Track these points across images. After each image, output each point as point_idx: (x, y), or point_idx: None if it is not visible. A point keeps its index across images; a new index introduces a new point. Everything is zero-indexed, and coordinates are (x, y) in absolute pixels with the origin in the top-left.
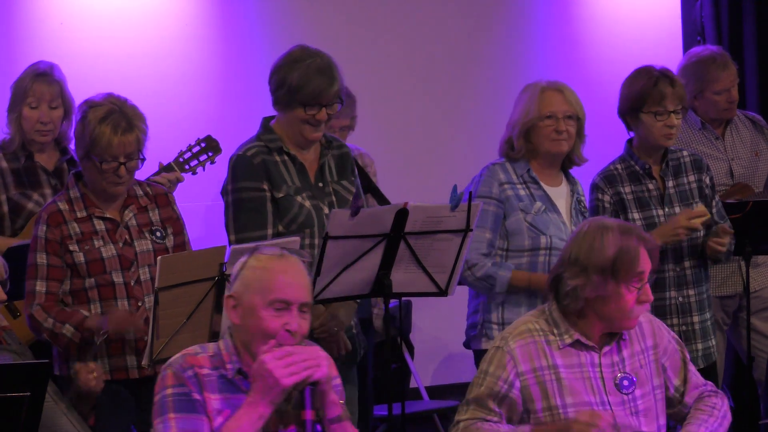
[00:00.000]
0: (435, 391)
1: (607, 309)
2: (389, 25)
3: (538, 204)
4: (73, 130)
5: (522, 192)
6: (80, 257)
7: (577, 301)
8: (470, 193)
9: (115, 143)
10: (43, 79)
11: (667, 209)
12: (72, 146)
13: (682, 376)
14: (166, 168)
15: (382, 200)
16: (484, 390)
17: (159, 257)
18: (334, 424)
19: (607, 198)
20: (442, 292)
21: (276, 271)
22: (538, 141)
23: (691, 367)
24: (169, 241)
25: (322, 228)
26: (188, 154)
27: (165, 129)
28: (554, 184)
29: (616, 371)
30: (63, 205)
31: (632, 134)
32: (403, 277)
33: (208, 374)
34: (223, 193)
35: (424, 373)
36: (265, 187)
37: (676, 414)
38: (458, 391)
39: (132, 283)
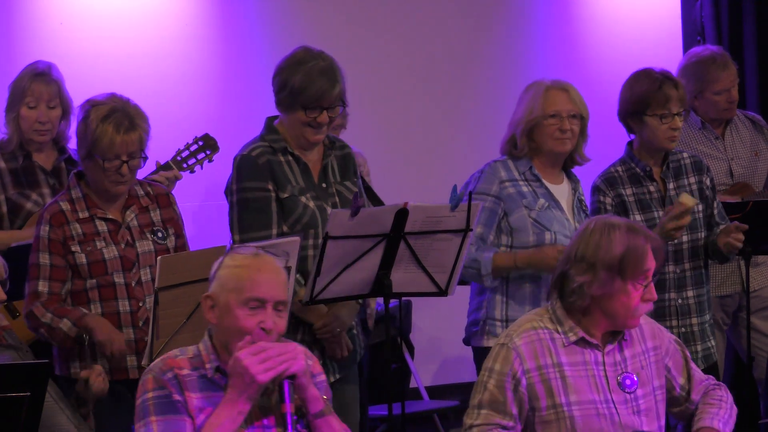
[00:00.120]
0: (435, 391)
1: (612, 306)
2: (389, 25)
3: (542, 201)
4: (70, 130)
5: (525, 189)
6: (82, 258)
7: (584, 298)
8: (470, 193)
9: (118, 142)
10: (41, 79)
11: None
12: (70, 145)
13: (686, 375)
14: (164, 167)
15: (375, 200)
16: (494, 389)
17: (159, 257)
18: (318, 419)
19: (608, 200)
20: (442, 292)
21: (250, 269)
22: (541, 139)
23: (693, 365)
24: (170, 242)
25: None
26: (186, 153)
27: (165, 129)
28: (556, 182)
29: (618, 370)
30: (65, 205)
31: (632, 137)
32: (403, 277)
33: (188, 374)
34: (228, 192)
35: (424, 373)
36: (270, 187)
37: (683, 412)
38: (458, 391)
39: (133, 284)
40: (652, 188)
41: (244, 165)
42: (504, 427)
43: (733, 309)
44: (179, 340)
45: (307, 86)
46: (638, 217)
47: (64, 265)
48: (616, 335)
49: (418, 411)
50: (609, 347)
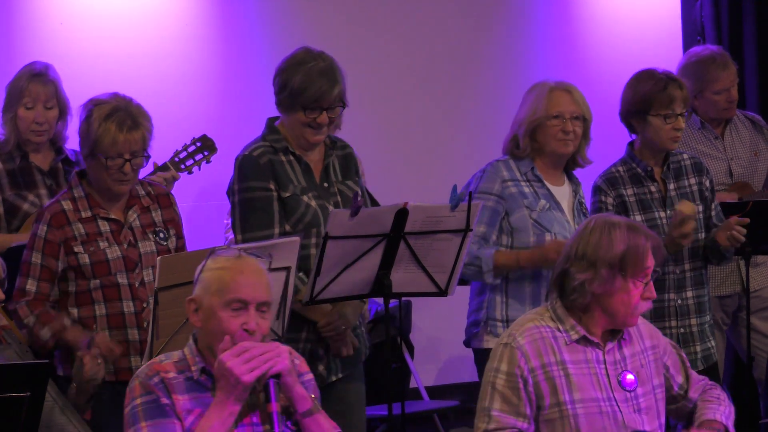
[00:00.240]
0: (435, 391)
1: (613, 304)
2: (389, 25)
3: (543, 201)
4: (67, 131)
5: (526, 189)
6: (85, 259)
7: (585, 296)
8: (470, 193)
9: (121, 140)
10: (38, 80)
11: (668, 211)
12: (67, 146)
13: (684, 374)
14: (161, 168)
15: (370, 200)
16: (506, 390)
17: (159, 257)
18: (306, 418)
19: (609, 200)
20: (442, 292)
21: (232, 271)
22: (544, 140)
23: (689, 365)
24: (172, 243)
25: None
26: (184, 154)
27: (165, 129)
28: (558, 184)
29: (619, 369)
30: (67, 205)
31: (633, 137)
32: (403, 277)
33: (174, 377)
34: (229, 193)
35: (424, 373)
36: (272, 186)
37: (680, 409)
38: (458, 391)
39: (137, 285)
40: (653, 188)
41: (245, 165)
42: (519, 430)
43: (732, 309)
44: (179, 340)
45: (306, 87)
46: (639, 218)
47: (56, 267)
48: (615, 334)
49: (418, 411)
50: (609, 345)
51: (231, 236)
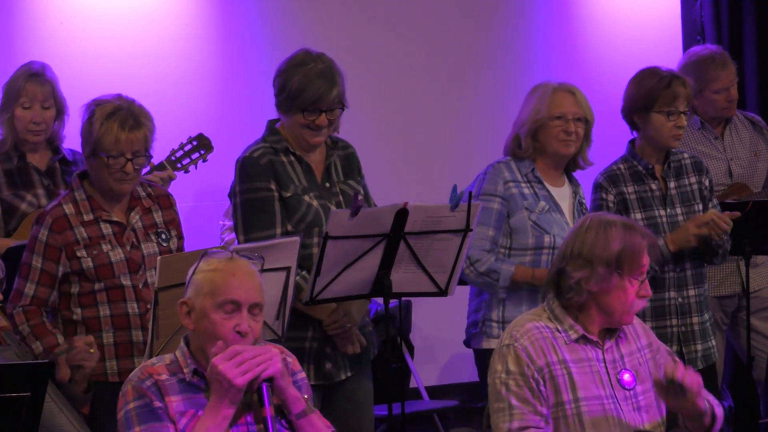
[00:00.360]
0: (435, 391)
1: (609, 302)
2: (389, 25)
3: (542, 203)
4: (64, 130)
5: (526, 191)
6: (88, 262)
7: (581, 294)
8: (470, 192)
9: (123, 139)
10: (35, 80)
11: (668, 210)
12: (64, 145)
13: None
14: (157, 167)
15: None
16: (520, 390)
17: (158, 257)
18: (301, 419)
19: (610, 197)
20: (442, 292)
21: (224, 273)
22: (546, 141)
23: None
24: (173, 244)
25: None
26: (180, 153)
27: (165, 129)
28: (558, 185)
29: (618, 367)
30: (68, 208)
31: (635, 134)
32: (403, 277)
33: (167, 379)
34: (231, 195)
35: (424, 373)
36: (273, 187)
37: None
38: (458, 391)
39: (140, 286)
40: (653, 186)
41: (246, 166)
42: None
43: (732, 309)
44: (179, 340)
45: (304, 89)
46: (639, 215)
47: (55, 272)
48: (612, 333)
49: (418, 411)
50: (608, 344)
51: (227, 237)
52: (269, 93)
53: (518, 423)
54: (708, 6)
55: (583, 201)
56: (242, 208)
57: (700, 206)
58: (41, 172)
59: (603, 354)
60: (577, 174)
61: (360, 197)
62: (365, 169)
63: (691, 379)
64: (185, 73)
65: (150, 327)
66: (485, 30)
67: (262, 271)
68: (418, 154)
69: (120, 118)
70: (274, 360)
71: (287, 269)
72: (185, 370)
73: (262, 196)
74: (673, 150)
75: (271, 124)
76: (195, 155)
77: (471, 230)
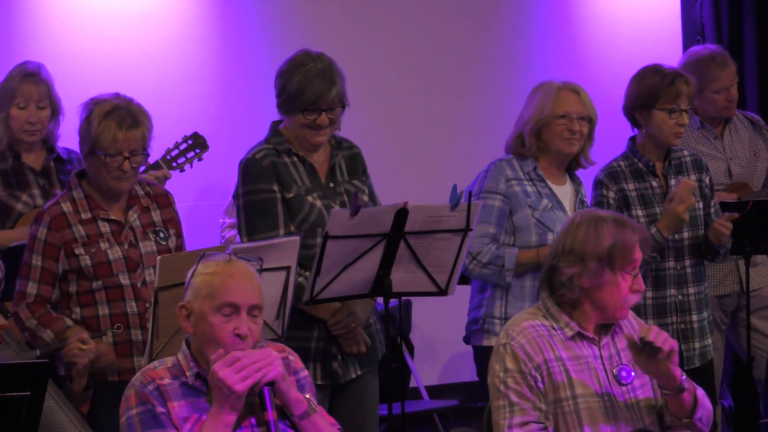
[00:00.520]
0: (435, 391)
1: (602, 298)
2: (389, 25)
3: (545, 201)
4: (59, 130)
5: (529, 189)
6: (86, 260)
7: (573, 290)
8: (470, 192)
9: (120, 138)
10: (31, 80)
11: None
12: (59, 144)
13: None
14: (153, 166)
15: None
16: (519, 387)
17: (158, 257)
18: (303, 420)
19: (611, 194)
20: (442, 292)
21: (223, 276)
22: (549, 139)
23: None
24: (172, 242)
25: None
26: (175, 152)
27: (165, 129)
28: (560, 183)
29: (614, 363)
30: (66, 207)
31: (635, 132)
32: (403, 276)
33: (169, 383)
34: (235, 196)
35: (424, 372)
36: (276, 188)
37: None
38: (458, 390)
39: (139, 285)
40: (654, 183)
41: (248, 168)
42: (542, 425)
43: (731, 309)
44: (179, 340)
45: (304, 89)
46: (640, 212)
47: (56, 270)
48: (607, 329)
49: (418, 411)
50: (604, 340)
51: (227, 235)
52: (269, 93)
53: (519, 418)
54: (708, 6)
55: (585, 199)
56: (245, 210)
57: (701, 204)
58: (36, 172)
59: (599, 350)
60: (578, 171)
61: (361, 198)
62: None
63: (664, 341)
64: (185, 73)
65: (150, 327)
66: (485, 30)
67: (262, 271)
68: (418, 154)
69: (118, 116)
70: (275, 364)
71: (287, 269)
72: (188, 374)
73: (265, 197)
74: (675, 146)
75: (275, 125)
76: (190, 154)
77: (471, 230)
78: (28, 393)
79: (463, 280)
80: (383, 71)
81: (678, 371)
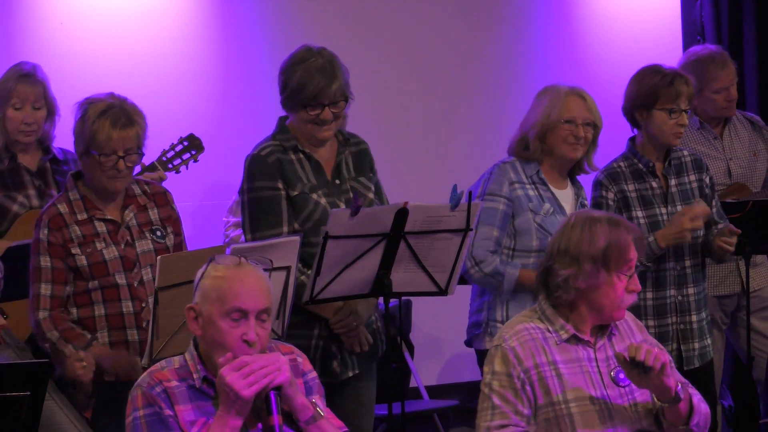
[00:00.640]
0: (435, 391)
1: (598, 299)
2: (389, 25)
3: (547, 205)
4: (55, 131)
5: (531, 192)
6: (83, 260)
7: (569, 292)
8: (470, 192)
9: (115, 137)
10: (26, 80)
11: (669, 208)
12: (54, 144)
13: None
14: (148, 167)
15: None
16: (503, 390)
17: (159, 257)
18: (310, 425)
19: (611, 195)
20: (442, 292)
21: (232, 281)
22: (554, 143)
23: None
24: (169, 240)
25: None
26: (171, 153)
27: (165, 128)
28: (561, 187)
29: (611, 365)
30: (63, 208)
31: (635, 132)
32: (403, 276)
33: (176, 386)
34: (240, 192)
35: (424, 372)
36: (280, 185)
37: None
38: (458, 390)
39: (135, 284)
40: (654, 184)
41: (253, 165)
42: (522, 428)
43: (731, 309)
44: (179, 339)
45: (305, 84)
46: (640, 213)
47: (65, 267)
48: (604, 330)
49: (418, 411)
50: (600, 343)
51: (232, 234)
52: (269, 92)
53: (498, 421)
54: (708, 6)
55: (585, 203)
56: (249, 207)
57: (699, 200)
58: (32, 173)
59: (595, 353)
60: (578, 176)
61: (360, 198)
62: None
63: (654, 359)
64: (185, 73)
65: (150, 327)
66: (485, 30)
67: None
68: (418, 154)
69: (112, 115)
70: (283, 369)
71: (287, 269)
72: (195, 376)
73: (269, 195)
74: (675, 147)
75: (282, 121)
76: (186, 155)
77: (471, 230)
78: (28, 393)
79: (463, 280)
80: (383, 71)
81: (672, 383)
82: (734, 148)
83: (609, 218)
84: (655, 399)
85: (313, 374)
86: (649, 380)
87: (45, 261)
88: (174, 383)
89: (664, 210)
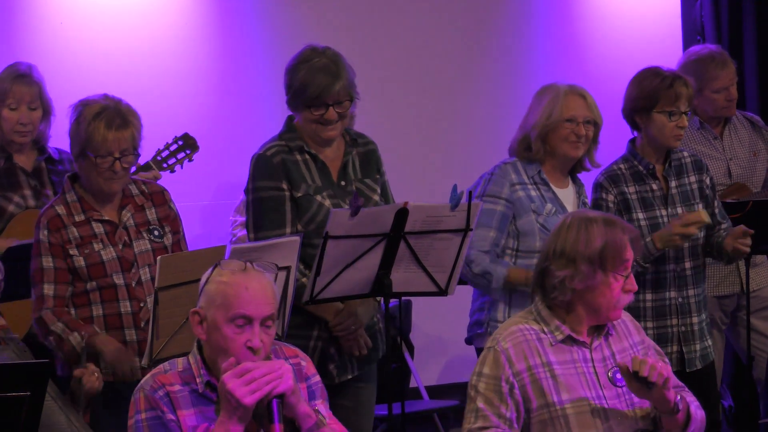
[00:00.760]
0: (435, 391)
1: (595, 299)
2: (389, 25)
3: (549, 206)
4: (50, 131)
5: (533, 193)
6: (81, 261)
7: (565, 293)
8: (470, 192)
9: (110, 138)
10: (22, 81)
11: (670, 209)
12: (50, 144)
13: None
14: (143, 167)
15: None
16: (488, 393)
17: (159, 257)
18: None
19: (611, 197)
20: (442, 292)
21: (238, 287)
22: (555, 143)
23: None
24: (167, 240)
25: None
26: (166, 153)
27: (165, 128)
28: (562, 186)
29: (608, 365)
30: (60, 209)
31: (635, 134)
32: (403, 276)
33: (179, 390)
34: (245, 192)
35: (424, 372)
36: (284, 186)
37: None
38: (458, 390)
39: (133, 285)
40: (654, 186)
41: (258, 164)
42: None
43: (731, 309)
44: (179, 340)
45: (308, 84)
46: (641, 215)
47: (66, 267)
48: (600, 330)
49: (418, 411)
50: (596, 343)
51: (239, 233)
52: (268, 91)
53: (480, 423)
54: (708, 6)
55: (587, 202)
56: (253, 207)
57: (701, 206)
58: (28, 173)
59: (590, 354)
60: (580, 173)
61: (360, 197)
62: None
63: (657, 374)
64: (185, 72)
65: (150, 327)
66: (485, 30)
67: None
68: (418, 154)
69: (107, 117)
70: (285, 377)
71: (287, 269)
72: (198, 380)
73: (273, 195)
74: (675, 149)
75: (289, 119)
76: (181, 155)
77: (471, 230)
78: (28, 393)
79: (463, 280)
80: (383, 71)
81: (672, 395)
82: (734, 148)
83: (605, 218)
84: (654, 409)
85: (317, 378)
86: (650, 393)
87: (47, 261)
88: (177, 387)
89: (664, 212)
